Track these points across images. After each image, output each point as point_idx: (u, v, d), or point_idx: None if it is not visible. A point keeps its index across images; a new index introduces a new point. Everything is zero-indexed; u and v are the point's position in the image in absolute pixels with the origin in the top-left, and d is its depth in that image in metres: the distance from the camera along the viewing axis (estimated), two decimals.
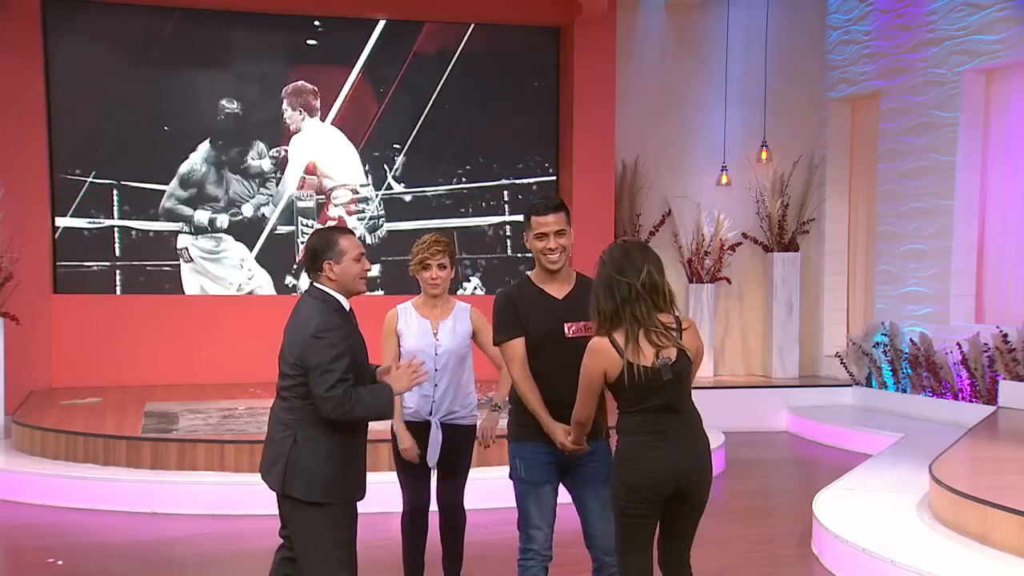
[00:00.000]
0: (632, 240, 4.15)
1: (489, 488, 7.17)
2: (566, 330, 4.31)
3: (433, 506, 5.19)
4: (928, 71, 11.20)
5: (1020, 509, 5.63)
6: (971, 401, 10.32)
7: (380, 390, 4.10)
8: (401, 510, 5.18)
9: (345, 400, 3.96)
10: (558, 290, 4.37)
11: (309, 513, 4.06)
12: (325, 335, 3.99)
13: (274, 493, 4.17)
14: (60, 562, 6.30)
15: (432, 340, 5.03)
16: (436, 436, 5.02)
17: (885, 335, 11.47)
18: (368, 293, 4.37)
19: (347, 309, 4.17)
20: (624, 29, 12.25)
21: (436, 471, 5.15)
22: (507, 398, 4.81)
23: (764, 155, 12.44)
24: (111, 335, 11.05)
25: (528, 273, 4.47)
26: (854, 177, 12.85)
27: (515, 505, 4.45)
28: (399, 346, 5.07)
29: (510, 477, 4.43)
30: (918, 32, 11.35)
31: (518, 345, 4.31)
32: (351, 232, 4.29)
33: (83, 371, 10.93)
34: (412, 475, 5.09)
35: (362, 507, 6.62)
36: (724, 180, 12.37)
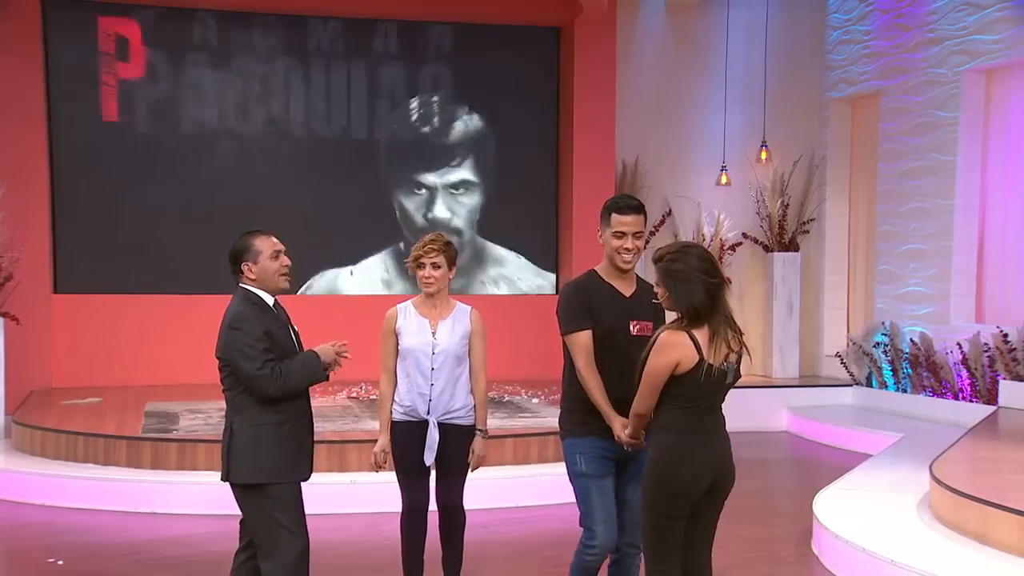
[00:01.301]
0: (695, 243, 4.18)
1: (490, 488, 7.19)
2: (631, 328, 4.34)
3: (432, 506, 5.19)
4: (928, 71, 11.20)
5: (1020, 509, 5.63)
6: (971, 401, 10.32)
7: (307, 356, 4.33)
8: (400, 510, 5.17)
9: (276, 375, 4.19)
10: (625, 288, 4.43)
11: (255, 495, 4.29)
12: (240, 323, 4.22)
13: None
14: (60, 562, 6.30)
15: (430, 339, 5.02)
16: (433, 435, 5.01)
17: (885, 335, 11.47)
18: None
19: (270, 304, 4.37)
20: (624, 29, 12.25)
21: (435, 471, 5.14)
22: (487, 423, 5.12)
23: (764, 155, 12.43)
24: (111, 335, 11.05)
25: (595, 268, 4.49)
26: (854, 177, 12.84)
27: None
28: (397, 344, 5.07)
29: (569, 476, 4.43)
30: (918, 32, 11.35)
31: (586, 336, 4.32)
32: (268, 233, 4.46)
33: (83, 371, 10.93)
34: (410, 475, 5.08)
35: (362, 507, 6.59)
36: (724, 180, 12.37)
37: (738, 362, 4.01)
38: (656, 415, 4.02)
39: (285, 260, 4.40)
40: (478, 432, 5.12)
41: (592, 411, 4.32)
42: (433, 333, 5.04)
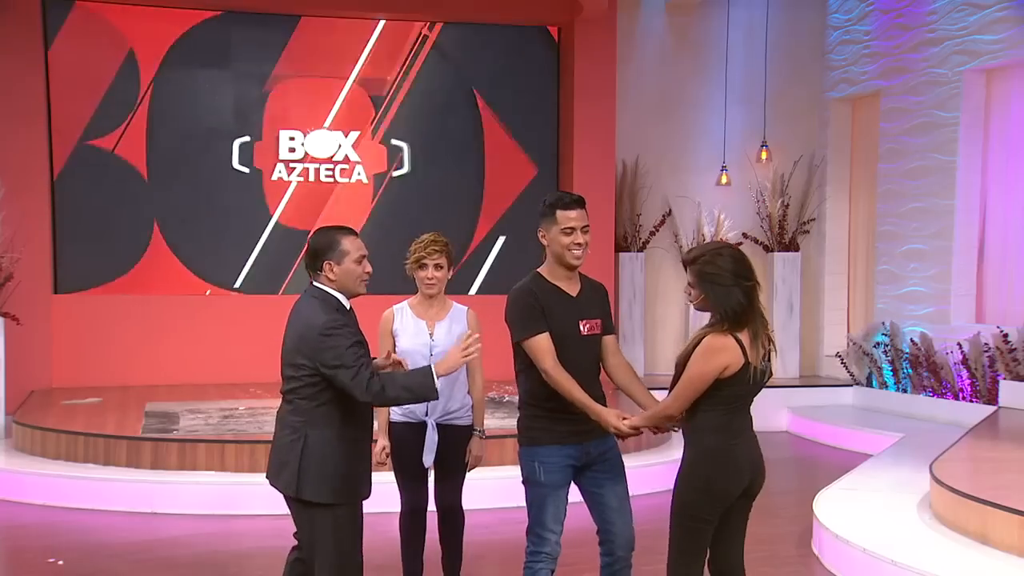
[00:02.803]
0: (727, 244, 4.16)
1: (490, 488, 7.18)
2: (581, 327, 4.28)
3: (432, 506, 5.17)
4: (929, 71, 11.19)
5: (1020, 509, 5.63)
6: (972, 401, 10.31)
7: (414, 372, 4.08)
8: (399, 511, 5.16)
9: (376, 382, 3.94)
10: (571, 288, 4.34)
11: (319, 514, 4.04)
12: (334, 331, 3.95)
13: (280, 496, 4.15)
14: (60, 562, 6.30)
15: (427, 340, 4.98)
16: (432, 437, 4.98)
17: (885, 335, 11.47)
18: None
19: (348, 308, 4.13)
20: (624, 29, 12.25)
21: (434, 471, 5.12)
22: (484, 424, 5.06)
23: (764, 155, 12.43)
24: (111, 335, 11.05)
25: (538, 270, 4.39)
26: (854, 177, 12.85)
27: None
28: (394, 347, 5.02)
29: (524, 481, 4.36)
30: (918, 32, 11.35)
31: (545, 340, 4.20)
32: (355, 232, 4.18)
33: (83, 371, 10.93)
34: (409, 476, 5.06)
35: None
36: (724, 180, 12.37)
37: (769, 360, 3.98)
38: (692, 417, 3.97)
39: (368, 267, 4.14)
40: (475, 433, 5.09)
41: (552, 417, 4.23)
42: (430, 334, 5.00)
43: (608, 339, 4.40)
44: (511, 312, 4.30)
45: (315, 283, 4.12)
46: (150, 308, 11.19)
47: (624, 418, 4.12)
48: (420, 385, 4.02)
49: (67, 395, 10.21)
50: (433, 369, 4.03)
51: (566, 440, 4.24)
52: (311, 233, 4.23)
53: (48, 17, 10.90)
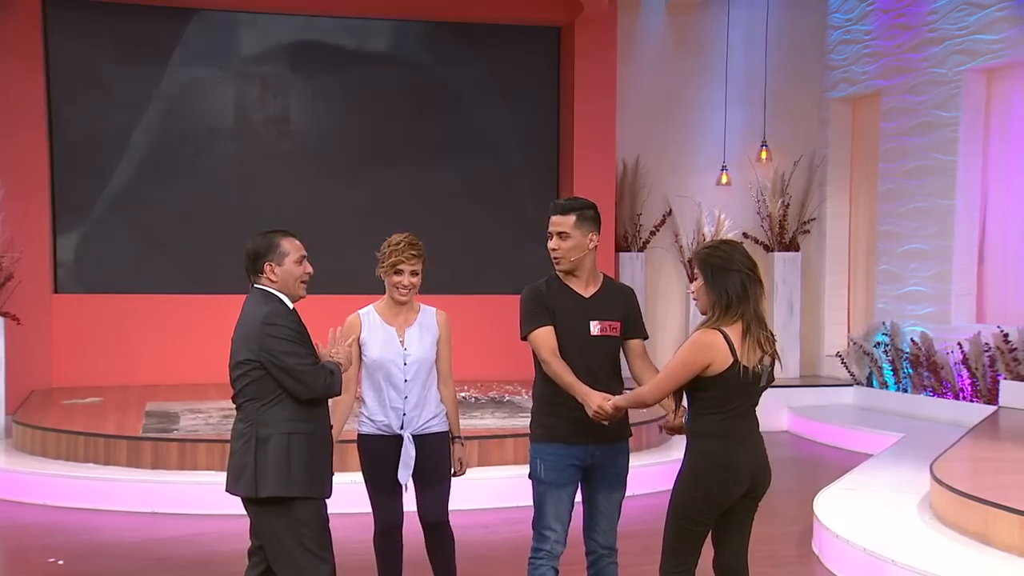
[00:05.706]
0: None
1: (490, 488, 7.18)
2: (592, 328, 4.30)
3: (415, 524, 4.84)
4: (929, 71, 11.19)
5: (1021, 509, 5.62)
6: (972, 401, 10.31)
7: (334, 367, 4.12)
8: (373, 531, 4.85)
9: (328, 372, 3.98)
10: (585, 288, 4.37)
11: (277, 512, 4.01)
12: (277, 320, 3.98)
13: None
14: (60, 562, 6.30)
15: (400, 350, 4.67)
16: (409, 451, 4.65)
17: (886, 335, 11.47)
18: None
19: (290, 308, 4.11)
20: (625, 29, 12.25)
21: (415, 485, 4.75)
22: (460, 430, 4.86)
23: (764, 155, 12.42)
24: (111, 335, 11.04)
25: (556, 271, 4.46)
26: (855, 177, 12.85)
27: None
28: (361, 356, 4.69)
29: (529, 476, 4.38)
30: (919, 32, 11.35)
31: (545, 332, 4.26)
32: (293, 234, 4.16)
33: (84, 371, 10.92)
34: (382, 491, 4.72)
35: (362, 507, 6.51)
36: (724, 180, 12.36)
37: (771, 365, 3.97)
38: (692, 422, 3.98)
39: (308, 267, 4.14)
40: (456, 440, 4.81)
41: (558, 414, 4.25)
42: (402, 342, 4.68)
43: (633, 343, 4.42)
44: (520, 310, 4.37)
45: (256, 285, 4.12)
46: (150, 308, 11.19)
47: (609, 400, 4.12)
48: (339, 383, 4.10)
49: (67, 395, 10.21)
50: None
51: (571, 439, 4.26)
52: (250, 238, 4.20)
53: (48, 17, 10.90)
